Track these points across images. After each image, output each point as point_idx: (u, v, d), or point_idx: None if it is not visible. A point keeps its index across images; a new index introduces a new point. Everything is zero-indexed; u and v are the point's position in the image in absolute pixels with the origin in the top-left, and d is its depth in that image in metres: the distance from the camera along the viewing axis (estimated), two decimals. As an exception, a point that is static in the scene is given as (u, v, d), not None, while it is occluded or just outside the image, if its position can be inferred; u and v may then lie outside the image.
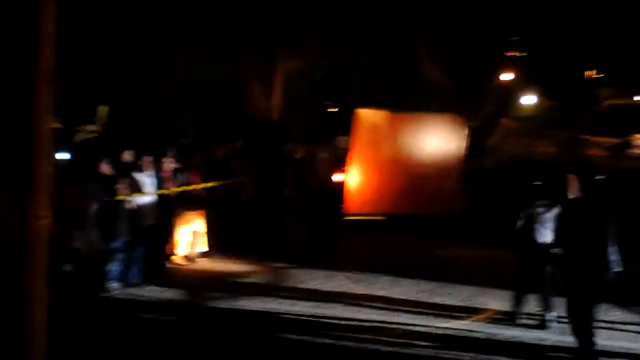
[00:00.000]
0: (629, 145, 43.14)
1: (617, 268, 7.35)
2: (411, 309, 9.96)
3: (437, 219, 15.45)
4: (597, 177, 7.44)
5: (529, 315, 9.68)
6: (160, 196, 12.32)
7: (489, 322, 9.42)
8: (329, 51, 18.69)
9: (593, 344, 7.44)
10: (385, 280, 11.77)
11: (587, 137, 41.88)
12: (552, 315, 9.24)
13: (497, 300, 10.44)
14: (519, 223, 8.75)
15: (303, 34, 17.99)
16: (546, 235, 8.85)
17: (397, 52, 17.89)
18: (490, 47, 19.36)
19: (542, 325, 9.16)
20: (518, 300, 9.30)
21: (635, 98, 52.31)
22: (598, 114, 48.90)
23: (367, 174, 15.77)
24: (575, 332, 7.49)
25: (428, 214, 15.53)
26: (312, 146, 17.26)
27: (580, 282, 7.34)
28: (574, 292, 7.41)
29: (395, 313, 9.73)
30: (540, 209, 8.87)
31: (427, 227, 15.21)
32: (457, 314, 9.90)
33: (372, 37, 17.84)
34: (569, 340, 7.99)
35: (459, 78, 17.41)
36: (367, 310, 9.93)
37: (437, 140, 16.64)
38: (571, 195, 7.81)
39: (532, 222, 8.90)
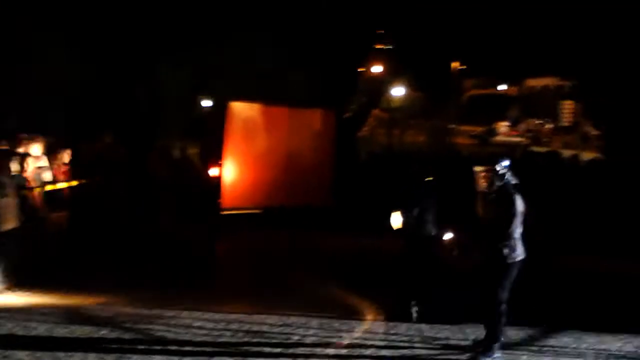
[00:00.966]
0: (493, 133, 45.31)
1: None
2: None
3: (311, 211, 15.65)
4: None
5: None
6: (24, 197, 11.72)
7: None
8: (201, 47, 18.51)
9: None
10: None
11: (454, 126, 43.68)
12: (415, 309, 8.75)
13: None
14: (412, 214, 8.45)
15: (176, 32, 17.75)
16: (430, 226, 8.59)
17: (268, 47, 17.94)
18: (358, 40, 19.76)
19: (409, 315, 8.66)
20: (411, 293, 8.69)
21: (499, 88, 55.02)
22: (463, 104, 51.08)
23: (242, 168, 15.73)
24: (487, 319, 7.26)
25: (302, 206, 15.71)
26: (185, 142, 17.03)
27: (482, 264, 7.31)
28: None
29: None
30: (427, 200, 8.70)
31: (301, 219, 15.37)
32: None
33: (242, 32, 17.82)
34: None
35: (329, 71, 17.67)
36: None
37: (309, 133, 16.85)
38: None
39: (422, 214, 8.61)
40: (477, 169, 7.41)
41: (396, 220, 8.47)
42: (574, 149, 29.63)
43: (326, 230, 15.07)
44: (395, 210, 8.43)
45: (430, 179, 8.81)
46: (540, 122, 50.85)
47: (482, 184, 7.38)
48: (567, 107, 32.23)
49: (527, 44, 32.07)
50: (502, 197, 7.18)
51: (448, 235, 8.20)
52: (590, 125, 25.93)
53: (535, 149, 22.33)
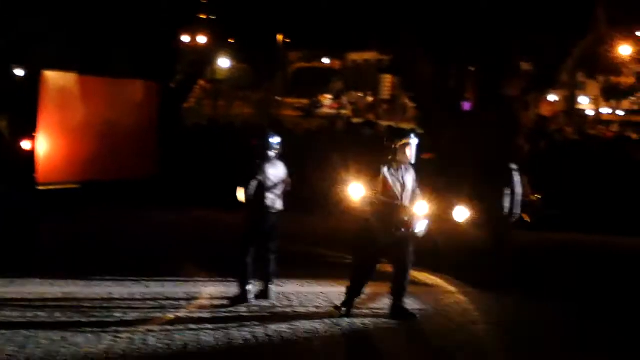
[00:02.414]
0: (318, 105, 46.45)
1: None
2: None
3: (135, 184, 15.22)
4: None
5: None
6: None
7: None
8: (15, 13, 17.28)
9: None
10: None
11: (280, 98, 44.30)
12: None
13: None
14: (251, 188, 8.14)
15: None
16: (276, 200, 8.41)
17: (87, 14, 17.07)
18: (182, 9, 19.33)
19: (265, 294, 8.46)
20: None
21: (323, 61, 56.25)
22: (288, 77, 51.80)
23: (59, 141, 14.95)
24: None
25: (124, 179, 15.23)
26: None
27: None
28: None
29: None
30: (271, 174, 8.34)
31: (124, 193, 14.89)
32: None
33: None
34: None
35: (151, 42, 17.15)
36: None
37: (131, 104, 16.34)
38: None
39: (263, 188, 8.28)
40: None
41: (241, 194, 8.34)
42: (393, 120, 31.02)
43: (152, 203, 14.69)
44: (240, 183, 8.25)
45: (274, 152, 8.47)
46: (362, 94, 52.90)
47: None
48: (387, 81, 33.59)
49: (349, 18, 32.93)
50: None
51: None
52: (407, 98, 27.14)
53: (357, 120, 23.11)
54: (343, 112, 43.08)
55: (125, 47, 16.80)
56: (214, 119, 23.22)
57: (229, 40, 28.98)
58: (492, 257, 9.18)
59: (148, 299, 8.08)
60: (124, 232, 12.24)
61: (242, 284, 7.92)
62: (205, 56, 24.73)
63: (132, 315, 7.42)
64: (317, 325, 7.17)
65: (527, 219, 13.14)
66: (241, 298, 7.88)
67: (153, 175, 15.60)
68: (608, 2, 13.78)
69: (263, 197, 7.99)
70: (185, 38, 25.17)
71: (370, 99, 47.83)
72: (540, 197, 13.27)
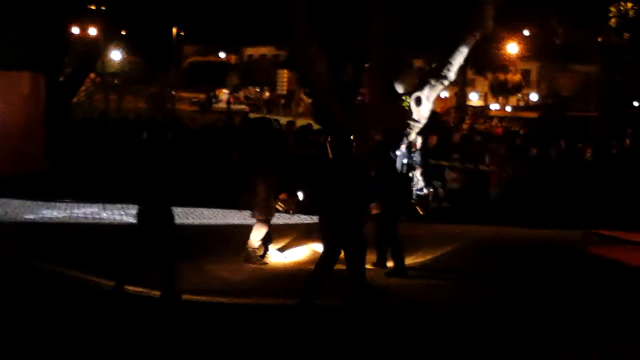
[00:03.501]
0: (214, 100, 46.00)
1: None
2: None
3: (22, 179, 14.54)
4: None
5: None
6: None
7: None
8: None
9: None
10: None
11: (175, 93, 43.55)
12: None
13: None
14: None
15: None
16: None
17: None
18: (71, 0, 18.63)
19: None
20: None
21: (219, 55, 55.73)
22: (184, 71, 51.00)
23: None
24: None
25: (10, 175, 14.52)
26: None
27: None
28: None
29: None
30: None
31: (10, 189, 14.19)
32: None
33: None
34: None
35: (38, 33, 16.42)
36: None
37: (15, 98, 15.62)
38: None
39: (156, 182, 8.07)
40: None
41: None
42: (289, 115, 31.08)
43: (39, 199, 14.01)
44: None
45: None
46: (259, 89, 52.77)
47: None
48: (284, 76, 33.60)
49: (245, 12, 32.73)
50: None
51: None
52: (303, 93, 27.32)
53: (254, 115, 23.00)
54: (240, 107, 42.88)
55: (10, 38, 16.02)
56: (105, 113, 22.54)
57: (121, 32, 28.16)
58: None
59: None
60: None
61: None
62: (96, 48, 23.92)
63: None
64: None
65: (420, 211, 13.48)
66: None
67: (41, 171, 14.97)
68: (496, 1, 14.28)
69: None
70: (75, 29, 24.28)
71: (267, 94, 47.79)
72: (432, 190, 13.66)
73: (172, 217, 7.52)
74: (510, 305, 7.77)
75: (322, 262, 7.27)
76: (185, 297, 7.36)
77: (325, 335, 6.41)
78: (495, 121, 32.55)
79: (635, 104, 28.95)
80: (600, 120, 25.70)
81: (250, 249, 9.27)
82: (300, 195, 9.67)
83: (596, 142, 16.17)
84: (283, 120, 18.58)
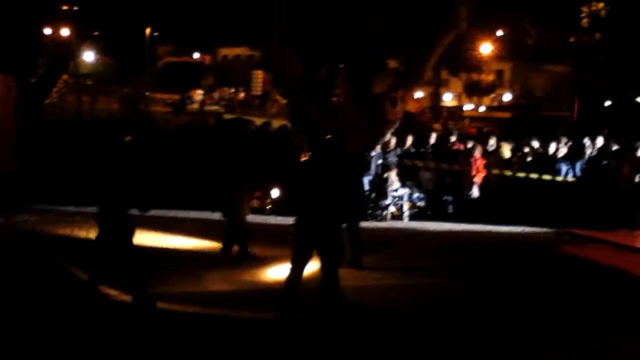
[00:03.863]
0: (189, 101, 45.75)
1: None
2: None
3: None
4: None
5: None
6: None
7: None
8: None
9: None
10: None
11: (149, 94, 43.25)
12: None
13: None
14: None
15: None
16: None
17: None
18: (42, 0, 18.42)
19: None
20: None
21: (194, 56, 55.46)
22: (158, 72, 50.68)
23: None
24: None
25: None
26: None
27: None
28: None
29: None
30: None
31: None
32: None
33: None
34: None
35: (9, 34, 16.21)
36: None
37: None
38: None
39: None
40: None
41: None
42: (265, 116, 31.01)
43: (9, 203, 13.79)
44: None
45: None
46: (234, 90, 52.57)
47: None
48: (258, 77, 33.55)
49: (220, 12, 32.63)
50: None
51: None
52: (278, 94, 27.26)
53: (228, 116, 22.89)
54: (215, 108, 42.70)
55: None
56: (78, 115, 22.33)
57: (94, 33, 27.95)
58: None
59: None
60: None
61: None
62: (69, 49, 23.71)
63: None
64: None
65: (395, 212, 13.55)
66: None
67: (12, 174, 14.78)
68: (469, 2, 14.35)
69: None
70: (47, 30, 24.05)
71: (242, 94, 47.64)
72: (406, 190, 13.73)
73: (129, 221, 7.36)
74: (481, 304, 7.83)
75: (292, 270, 7.00)
76: (161, 305, 7.27)
77: (302, 351, 6.34)
78: (467, 121, 32.77)
79: (607, 103, 29.29)
80: (572, 120, 25.96)
81: (222, 250, 9.25)
82: (275, 193, 9.64)
83: (568, 142, 16.34)
84: (258, 121, 18.53)
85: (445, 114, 36.15)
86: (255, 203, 9.92)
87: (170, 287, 7.91)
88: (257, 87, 34.34)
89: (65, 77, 31.71)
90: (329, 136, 7.19)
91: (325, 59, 15.81)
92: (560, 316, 7.39)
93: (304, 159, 7.47)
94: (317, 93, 15.02)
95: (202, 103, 43.82)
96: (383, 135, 14.18)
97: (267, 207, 10.03)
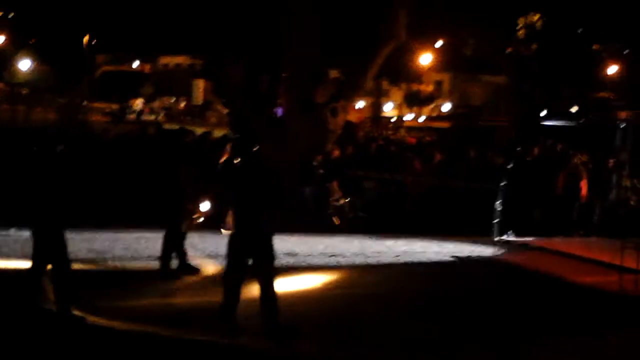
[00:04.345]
0: (128, 110, 45.04)
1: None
2: None
3: None
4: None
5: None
6: None
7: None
8: None
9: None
10: None
11: (87, 103, 42.38)
12: None
13: None
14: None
15: None
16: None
17: None
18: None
19: None
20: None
21: (133, 65, 54.69)
22: (95, 81, 49.79)
23: None
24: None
25: None
26: None
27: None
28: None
29: None
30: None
31: None
32: None
33: None
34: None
35: None
36: None
37: None
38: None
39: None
40: None
41: None
42: (206, 126, 30.77)
43: None
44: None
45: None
46: (174, 99, 51.98)
47: None
48: (199, 86, 33.28)
49: (160, 20, 32.27)
50: None
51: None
52: (220, 104, 27.11)
53: (169, 126, 22.61)
54: (154, 117, 42.15)
55: None
56: (13, 124, 21.76)
57: (30, 41, 27.31)
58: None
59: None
60: None
61: None
62: (3, 57, 23.13)
63: None
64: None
65: (336, 221, 13.56)
66: None
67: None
68: (408, 13, 14.55)
69: None
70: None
71: (183, 104, 47.19)
72: (348, 200, 13.77)
73: (62, 236, 7.05)
74: (415, 310, 7.90)
75: (226, 282, 6.88)
76: (92, 319, 7.05)
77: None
78: (402, 131, 33.19)
79: (544, 112, 30.00)
80: (509, 129, 26.55)
81: (161, 262, 9.08)
82: (205, 206, 9.36)
83: (507, 151, 16.68)
84: (199, 130, 18.37)
85: (386, 124, 36.53)
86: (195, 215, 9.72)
87: (106, 301, 7.72)
88: (198, 96, 34.00)
89: (0, 86, 30.87)
90: (256, 147, 7.06)
91: (267, 69, 15.87)
92: (493, 321, 7.52)
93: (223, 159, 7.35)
94: (258, 103, 15.05)
95: (142, 112, 43.18)
96: (324, 144, 14.29)
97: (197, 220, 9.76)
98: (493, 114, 35.47)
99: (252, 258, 6.89)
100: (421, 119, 40.28)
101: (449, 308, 8.09)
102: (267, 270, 6.91)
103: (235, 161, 7.12)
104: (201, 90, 32.85)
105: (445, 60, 32.27)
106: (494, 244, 12.41)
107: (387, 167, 14.77)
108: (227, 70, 15.20)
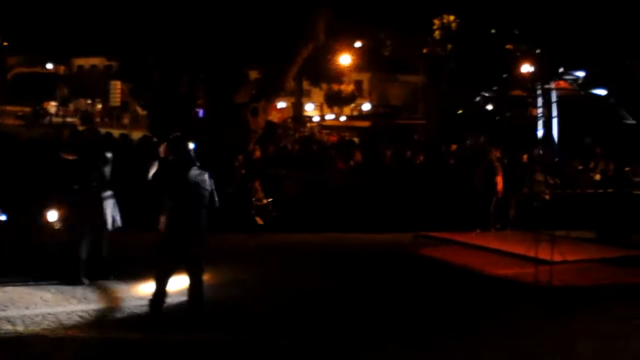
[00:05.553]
0: (42, 113, 43.71)
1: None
2: None
3: None
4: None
5: None
6: None
7: None
8: None
9: None
10: None
11: (-1, 106, 41.01)
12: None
13: None
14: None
15: None
16: None
17: None
18: None
19: None
20: None
21: (47, 66, 53.13)
22: (7, 83, 48.14)
23: None
24: None
25: None
26: None
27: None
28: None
29: None
30: None
31: None
32: None
33: None
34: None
35: None
36: None
37: None
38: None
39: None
40: None
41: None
42: (124, 128, 30.20)
43: None
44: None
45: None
46: (90, 102, 50.79)
47: None
48: (116, 87, 32.58)
49: (74, 21, 31.44)
50: None
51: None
52: (138, 105, 26.63)
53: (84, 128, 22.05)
54: (70, 119, 41.08)
55: None
56: None
57: None
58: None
59: None
60: None
61: None
62: None
63: None
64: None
65: (259, 221, 13.53)
66: None
67: None
68: (327, 13, 14.68)
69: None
70: None
71: (99, 106, 46.17)
72: (270, 200, 13.76)
73: None
74: (337, 303, 7.99)
75: (158, 285, 6.89)
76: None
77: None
78: (317, 128, 33.51)
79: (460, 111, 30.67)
80: (427, 127, 27.08)
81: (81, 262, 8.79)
82: (52, 216, 9.03)
83: (425, 149, 17.02)
84: (116, 132, 18.01)
85: (308, 123, 36.68)
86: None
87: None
88: (116, 98, 33.26)
89: None
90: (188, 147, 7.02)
91: (187, 70, 15.69)
92: (408, 312, 7.69)
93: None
94: (178, 103, 14.87)
95: (56, 115, 42.05)
96: (246, 145, 14.25)
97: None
98: (412, 113, 36.13)
99: (185, 256, 6.93)
100: (342, 119, 40.63)
101: (364, 301, 8.23)
102: (199, 268, 6.99)
103: (168, 163, 7.08)
104: (119, 91, 32.13)
105: (365, 61, 32.60)
106: (414, 239, 12.63)
107: (309, 166, 14.82)
108: (146, 71, 15.00)
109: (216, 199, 7.12)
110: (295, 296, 8.34)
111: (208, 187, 7.03)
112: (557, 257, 9.67)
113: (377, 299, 8.31)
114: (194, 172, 6.95)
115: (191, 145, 7.09)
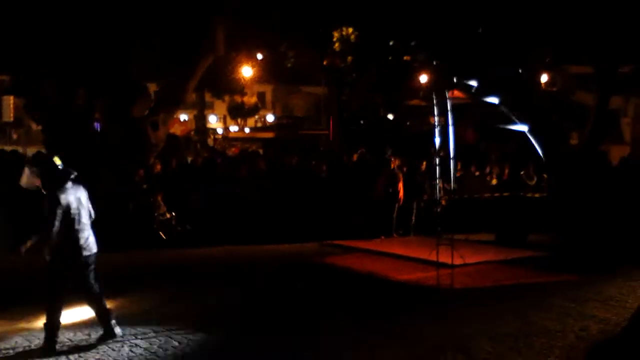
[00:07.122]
0: None
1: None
2: None
3: None
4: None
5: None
6: None
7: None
8: None
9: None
10: None
11: None
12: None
13: None
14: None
15: None
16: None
17: None
18: None
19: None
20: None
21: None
22: None
23: None
24: None
25: None
26: None
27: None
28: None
29: None
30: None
31: None
32: None
33: None
34: None
35: None
36: None
37: None
38: None
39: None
40: None
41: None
42: (17, 144, 29.07)
43: None
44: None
45: None
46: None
47: None
48: (9, 102, 31.39)
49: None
50: None
51: None
52: (32, 120, 25.71)
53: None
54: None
55: None
56: None
57: None
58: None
59: None
60: None
61: None
62: None
63: None
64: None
65: (163, 236, 13.31)
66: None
67: None
68: (226, 25, 14.61)
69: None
70: None
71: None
72: (174, 214, 13.54)
73: None
74: (242, 314, 7.98)
75: (53, 308, 6.73)
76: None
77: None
78: (218, 140, 33.38)
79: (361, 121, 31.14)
80: (330, 138, 27.36)
81: None
82: None
83: (328, 159, 17.18)
84: (8, 148, 17.40)
85: (211, 136, 36.36)
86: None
87: None
88: (8, 113, 32.00)
89: None
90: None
91: (84, 83, 15.24)
92: (312, 318, 7.75)
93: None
94: (74, 118, 14.43)
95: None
96: (146, 159, 13.98)
97: None
98: (314, 124, 36.39)
99: (79, 278, 6.78)
100: (246, 130, 40.51)
101: (264, 308, 8.26)
102: (95, 289, 6.89)
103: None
104: (11, 107, 30.93)
105: (268, 73, 32.62)
106: (320, 248, 12.72)
107: (213, 178, 14.70)
108: (40, 85, 14.51)
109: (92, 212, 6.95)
110: (196, 306, 8.25)
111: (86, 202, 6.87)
112: (458, 261, 9.96)
113: (277, 309, 8.31)
114: (68, 187, 6.69)
115: (58, 161, 6.81)
